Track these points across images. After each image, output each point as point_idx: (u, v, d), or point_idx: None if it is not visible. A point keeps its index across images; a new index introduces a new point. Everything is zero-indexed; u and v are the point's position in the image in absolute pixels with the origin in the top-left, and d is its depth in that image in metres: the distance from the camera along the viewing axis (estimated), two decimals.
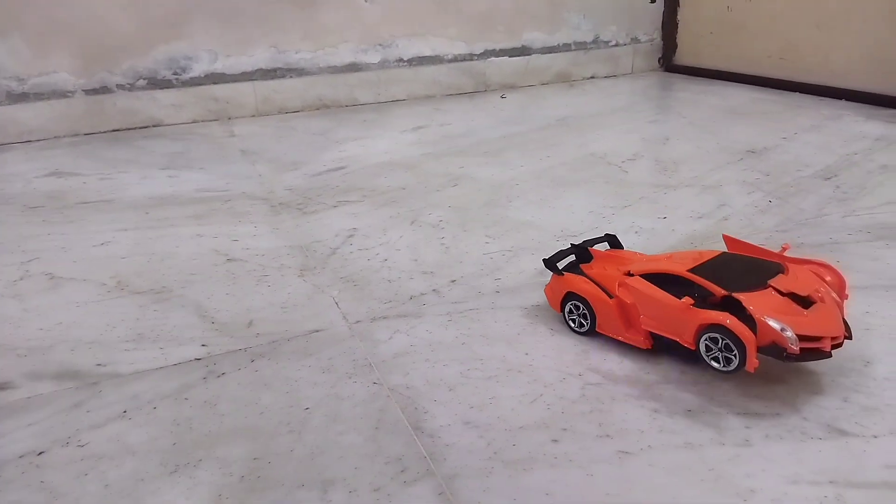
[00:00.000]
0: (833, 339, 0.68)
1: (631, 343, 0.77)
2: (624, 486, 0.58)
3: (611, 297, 0.77)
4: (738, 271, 0.73)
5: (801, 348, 0.65)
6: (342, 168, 1.54)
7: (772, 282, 0.70)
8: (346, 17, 2.15)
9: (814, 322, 0.67)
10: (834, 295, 0.72)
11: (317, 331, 0.85)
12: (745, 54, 2.36)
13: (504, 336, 0.82)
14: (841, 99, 2.02)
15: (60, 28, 1.86)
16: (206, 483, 0.60)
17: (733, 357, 0.67)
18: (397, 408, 0.69)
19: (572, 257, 0.87)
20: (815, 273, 0.74)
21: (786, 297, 0.69)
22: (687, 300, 0.69)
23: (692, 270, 0.72)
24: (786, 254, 0.78)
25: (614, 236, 0.90)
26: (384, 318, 0.88)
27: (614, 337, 0.78)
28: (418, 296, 0.93)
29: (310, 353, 0.80)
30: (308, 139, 1.81)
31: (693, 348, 0.70)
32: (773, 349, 0.65)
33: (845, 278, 0.76)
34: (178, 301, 0.93)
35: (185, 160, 1.64)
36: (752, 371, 0.65)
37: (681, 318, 0.70)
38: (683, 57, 2.64)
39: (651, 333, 0.75)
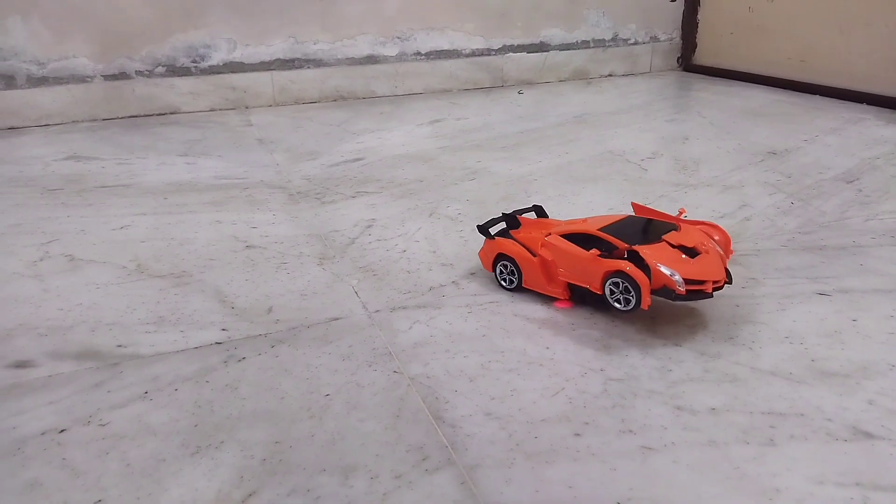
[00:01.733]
0: (715, 282, 0.79)
1: (551, 295, 0.87)
2: (647, 482, 0.58)
3: (534, 255, 0.87)
4: (638, 230, 0.85)
5: (686, 290, 0.76)
6: (360, 159, 1.53)
7: (665, 237, 0.82)
8: (364, 10, 2.15)
9: (698, 268, 0.79)
10: (719, 249, 0.84)
11: (336, 319, 0.85)
12: (765, 56, 2.34)
13: (524, 329, 0.82)
14: (861, 102, 2.01)
15: (80, 13, 1.86)
16: (227, 465, 0.60)
17: (631, 298, 0.77)
18: (418, 397, 0.69)
19: (503, 225, 0.97)
20: (704, 231, 0.86)
21: (676, 249, 0.81)
22: (594, 251, 0.81)
23: (602, 230, 0.83)
24: (682, 217, 0.90)
25: (541, 207, 1.00)
26: (403, 308, 0.87)
27: (538, 291, 0.88)
28: (437, 287, 0.93)
29: (329, 340, 0.80)
30: (325, 130, 1.81)
31: (600, 293, 0.81)
32: (665, 291, 0.76)
33: (730, 237, 0.88)
34: (197, 286, 0.93)
35: (203, 147, 1.64)
36: (646, 308, 0.77)
37: (590, 267, 0.81)
38: (703, 57, 2.62)
39: (569, 287, 0.86)
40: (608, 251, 0.81)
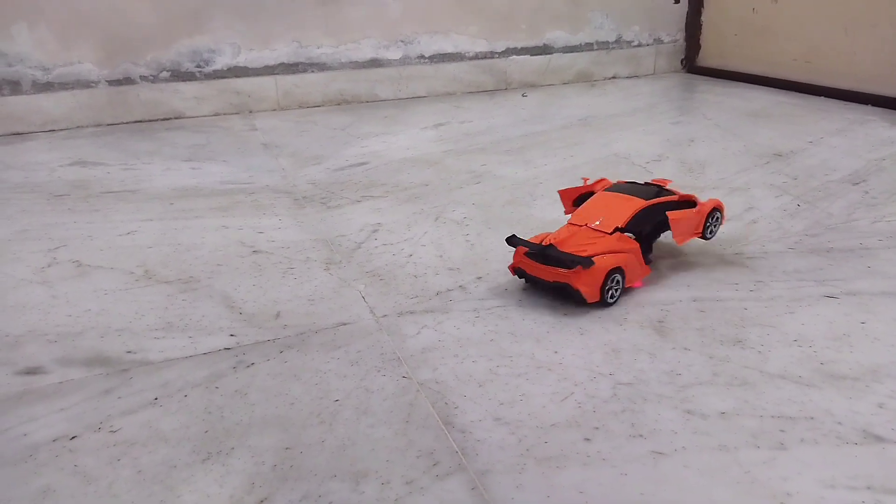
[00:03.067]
0: None
1: (644, 276, 0.93)
2: (658, 487, 0.58)
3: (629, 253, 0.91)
4: (643, 189, 0.97)
5: None
6: (364, 163, 1.54)
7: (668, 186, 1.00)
8: (368, 13, 2.15)
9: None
10: None
11: (344, 324, 0.85)
12: (770, 57, 2.34)
13: (532, 334, 0.82)
14: (867, 104, 2.00)
15: (85, 19, 1.87)
16: (238, 471, 0.60)
17: (719, 224, 0.99)
18: (427, 402, 0.69)
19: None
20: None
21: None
22: (699, 204, 0.97)
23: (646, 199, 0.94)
24: (588, 183, 1.04)
25: (514, 235, 0.94)
26: (411, 312, 0.87)
27: (639, 282, 0.93)
28: (445, 292, 0.93)
29: (338, 345, 0.80)
30: (329, 134, 1.81)
31: (701, 234, 0.97)
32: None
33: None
34: (205, 291, 0.94)
35: (208, 152, 1.65)
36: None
37: (698, 219, 0.96)
38: (707, 58, 2.62)
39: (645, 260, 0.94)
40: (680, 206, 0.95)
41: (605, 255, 0.86)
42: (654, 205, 0.93)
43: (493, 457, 0.61)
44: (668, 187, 0.99)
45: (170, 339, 0.82)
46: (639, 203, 0.92)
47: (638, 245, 0.91)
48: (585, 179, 1.04)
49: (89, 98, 1.92)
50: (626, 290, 0.91)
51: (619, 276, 0.87)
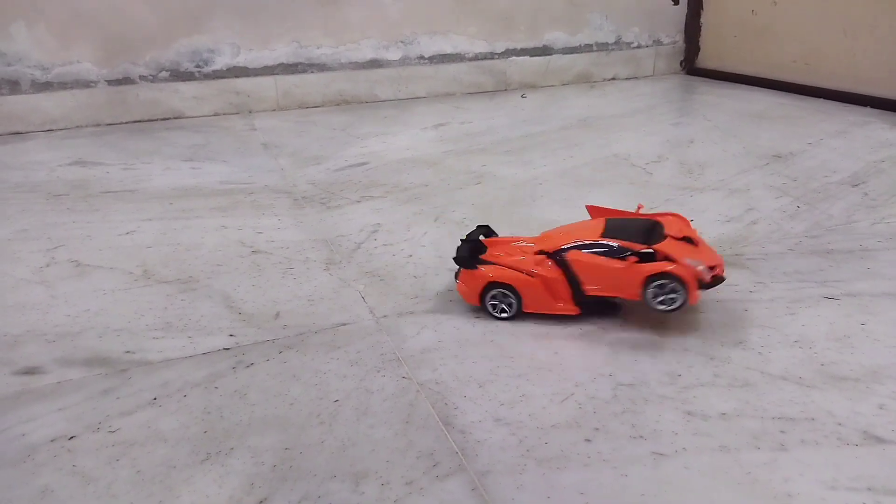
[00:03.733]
0: (719, 266, 0.81)
1: (562, 313, 0.84)
2: (659, 488, 0.58)
3: (532, 276, 0.83)
4: (636, 230, 0.83)
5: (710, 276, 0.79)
6: (364, 164, 1.53)
7: (667, 232, 0.83)
8: (368, 14, 2.15)
9: (706, 255, 0.82)
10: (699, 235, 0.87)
11: (344, 324, 0.85)
12: (769, 58, 2.34)
13: (532, 334, 0.82)
14: (866, 106, 2.00)
15: (84, 19, 1.87)
16: (238, 472, 0.60)
17: (677, 297, 0.77)
18: (427, 403, 0.69)
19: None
20: (677, 220, 0.88)
21: (682, 241, 0.82)
22: (632, 259, 0.79)
23: (605, 236, 0.82)
24: (641, 211, 0.92)
25: (487, 226, 0.95)
26: (411, 313, 0.87)
27: (544, 312, 0.84)
28: (445, 292, 0.93)
29: (337, 345, 0.80)
30: (329, 134, 1.81)
31: (639, 298, 0.79)
32: (696, 283, 0.77)
33: (689, 221, 0.89)
34: (204, 291, 0.93)
35: (208, 152, 1.64)
36: (695, 303, 0.78)
37: (626, 276, 0.79)
38: (706, 60, 2.62)
39: (575, 300, 0.83)
40: (620, 255, 0.80)
41: (498, 268, 0.84)
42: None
43: (493, 457, 0.61)
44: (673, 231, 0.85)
45: (169, 340, 0.81)
46: (587, 236, 0.84)
47: (546, 278, 0.83)
48: (640, 206, 0.95)
49: (88, 98, 1.92)
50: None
51: (504, 292, 0.83)
